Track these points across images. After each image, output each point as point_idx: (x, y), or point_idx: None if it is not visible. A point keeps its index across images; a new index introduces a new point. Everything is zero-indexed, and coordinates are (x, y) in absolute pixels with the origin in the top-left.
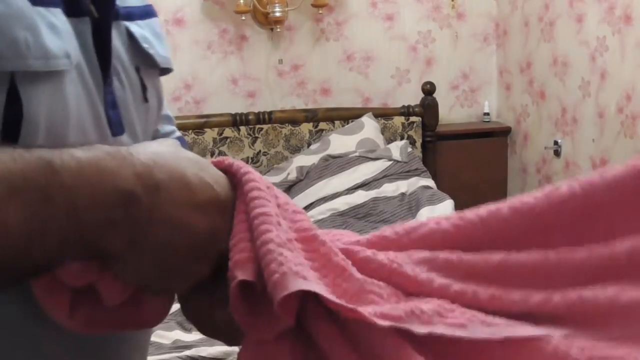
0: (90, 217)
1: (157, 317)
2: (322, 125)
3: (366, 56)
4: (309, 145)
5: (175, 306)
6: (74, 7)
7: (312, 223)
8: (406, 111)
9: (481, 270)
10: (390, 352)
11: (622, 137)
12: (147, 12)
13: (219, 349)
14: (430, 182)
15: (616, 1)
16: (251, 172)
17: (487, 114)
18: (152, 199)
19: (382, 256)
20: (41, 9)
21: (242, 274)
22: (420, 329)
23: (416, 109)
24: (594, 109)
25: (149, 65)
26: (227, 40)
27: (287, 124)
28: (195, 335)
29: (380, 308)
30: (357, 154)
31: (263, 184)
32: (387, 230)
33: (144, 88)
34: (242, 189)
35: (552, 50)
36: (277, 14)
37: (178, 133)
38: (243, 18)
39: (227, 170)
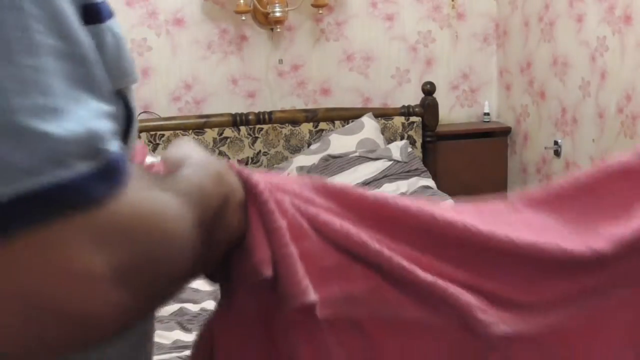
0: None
1: None
2: (322, 125)
3: (366, 56)
4: (309, 145)
5: (176, 306)
6: None
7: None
8: (406, 111)
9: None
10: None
11: (622, 137)
12: None
13: None
14: (430, 182)
15: (616, 1)
16: (260, 184)
17: (487, 114)
18: (226, 211)
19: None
20: None
21: (267, 272)
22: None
23: (416, 109)
24: (594, 109)
25: None
26: (227, 40)
27: (287, 124)
28: (195, 336)
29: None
30: (357, 154)
31: (267, 192)
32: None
33: None
34: (254, 198)
35: (552, 50)
36: (277, 14)
37: None
38: (243, 18)
39: (237, 174)
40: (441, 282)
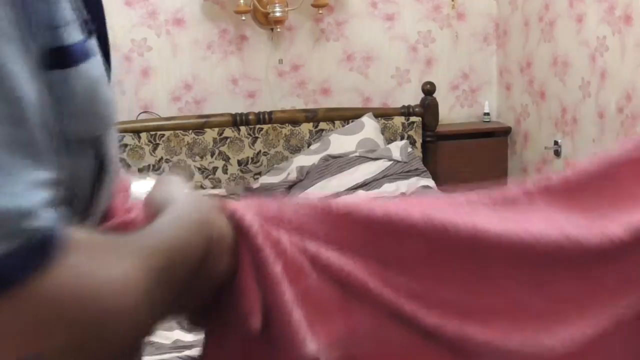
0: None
1: None
2: (322, 125)
3: (366, 56)
4: (309, 145)
5: None
6: (86, 29)
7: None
8: (406, 111)
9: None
10: None
11: (622, 137)
12: None
13: None
14: (430, 182)
15: (616, 1)
16: (253, 227)
17: (487, 114)
18: (208, 255)
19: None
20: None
21: (255, 323)
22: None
23: (416, 109)
24: (594, 109)
25: None
26: (227, 40)
27: (287, 124)
28: (196, 335)
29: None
30: (357, 154)
31: (262, 235)
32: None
33: None
34: (247, 242)
35: (552, 50)
36: (277, 14)
37: None
38: (243, 18)
39: (229, 216)
40: (447, 326)
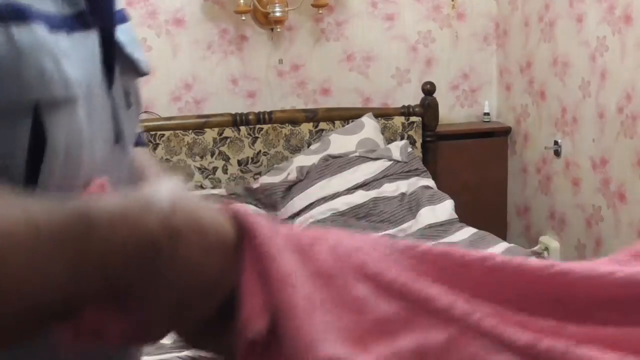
0: (119, 265)
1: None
2: (322, 125)
3: (366, 56)
4: (309, 145)
5: None
6: (80, 21)
7: (329, 248)
8: (406, 111)
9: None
10: None
11: (622, 137)
12: (123, 17)
13: None
14: (430, 182)
15: (616, 1)
16: (258, 223)
17: (487, 114)
18: (172, 245)
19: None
20: (57, 36)
21: (256, 325)
22: None
23: (416, 109)
24: (594, 109)
25: (131, 71)
26: (227, 40)
27: (287, 124)
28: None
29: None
30: (357, 154)
31: (270, 231)
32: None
33: (126, 93)
34: (251, 240)
35: (552, 50)
36: (277, 14)
37: (142, 135)
38: (243, 18)
39: (232, 215)
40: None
